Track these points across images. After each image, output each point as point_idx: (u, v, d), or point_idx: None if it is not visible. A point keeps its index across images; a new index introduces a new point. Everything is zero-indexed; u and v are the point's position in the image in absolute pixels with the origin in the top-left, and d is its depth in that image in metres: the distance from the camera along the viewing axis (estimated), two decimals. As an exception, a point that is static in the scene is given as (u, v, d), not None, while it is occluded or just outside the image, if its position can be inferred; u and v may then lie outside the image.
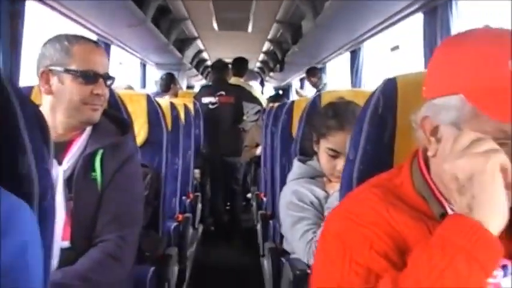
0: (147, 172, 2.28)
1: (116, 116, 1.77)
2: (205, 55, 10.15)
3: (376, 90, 1.15)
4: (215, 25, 6.68)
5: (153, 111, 2.50)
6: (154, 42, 5.92)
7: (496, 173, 0.77)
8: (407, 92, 1.07)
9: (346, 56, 5.58)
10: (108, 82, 1.64)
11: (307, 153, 2.07)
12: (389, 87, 1.13)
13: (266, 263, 2.66)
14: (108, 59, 1.71)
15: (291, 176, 2.03)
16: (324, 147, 1.89)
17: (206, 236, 4.86)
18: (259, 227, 3.39)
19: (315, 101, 2.28)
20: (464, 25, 3.04)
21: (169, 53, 6.96)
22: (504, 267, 0.84)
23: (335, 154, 1.85)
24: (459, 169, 0.79)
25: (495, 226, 0.77)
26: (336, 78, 6.85)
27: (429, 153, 0.92)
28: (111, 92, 1.85)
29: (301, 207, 1.87)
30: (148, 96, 2.53)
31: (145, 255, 2.05)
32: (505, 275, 0.84)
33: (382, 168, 1.03)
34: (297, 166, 2.04)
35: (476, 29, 0.89)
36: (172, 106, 3.19)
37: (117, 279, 1.55)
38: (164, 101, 3.23)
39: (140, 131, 2.48)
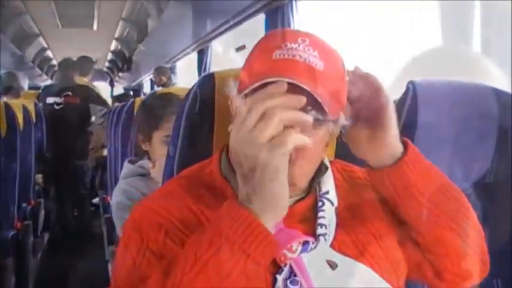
0: (-25, 179, 2.12)
1: None
2: (49, 53, 9.62)
3: (193, 86, 1.15)
4: (58, 21, 6.36)
5: (-20, 113, 2.32)
6: (-14, 38, 5.49)
7: (281, 167, 0.74)
8: (224, 86, 1.09)
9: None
10: None
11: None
12: (207, 82, 1.14)
13: (110, 268, 2.59)
14: None
15: (121, 177, 1.98)
16: (159, 138, 1.81)
17: (53, 244, 4.62)
18: (104, 231, 3.29)
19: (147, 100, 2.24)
20: (305, 26, 3.19)
21: (6, 50, 6.48)
22: (305, 243, 0.87)
23: None
24: (242, 157, 0.76)
25: (271, 219, 0.76)
26: (189, 78, 6.85)
27: (229, 128, 0.87)
28: None
29: (131, 207, 1.82)
30: (-27, 97, 2.35)
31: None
32: (305, 250, 0.87)
33: (202, 162, 1.03)
34: (125, 166, 1.99)
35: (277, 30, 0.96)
36: (7, 107, 2.98)
37: None
38: (-4, 103, 3.01)
39: (-34, 135, 2.30)
